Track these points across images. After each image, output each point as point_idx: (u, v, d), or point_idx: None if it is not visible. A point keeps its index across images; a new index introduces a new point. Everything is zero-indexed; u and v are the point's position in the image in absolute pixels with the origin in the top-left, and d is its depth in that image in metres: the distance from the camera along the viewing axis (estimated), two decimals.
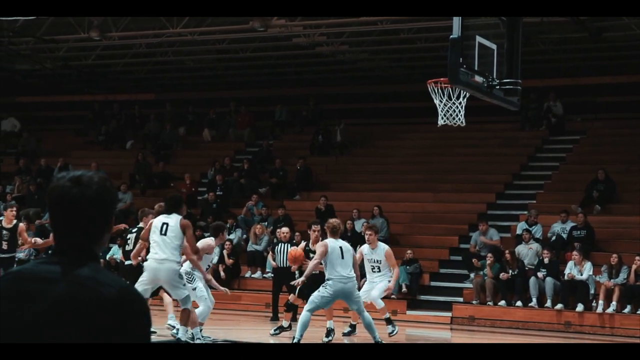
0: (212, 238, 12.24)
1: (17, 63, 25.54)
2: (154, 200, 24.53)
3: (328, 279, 11.50)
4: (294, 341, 11.47)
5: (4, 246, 14.04)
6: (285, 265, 15.29)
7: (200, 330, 11.69)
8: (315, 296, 11.58)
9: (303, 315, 11.59)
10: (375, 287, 13.36)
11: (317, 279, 12.36)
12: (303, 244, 15.07)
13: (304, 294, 12.76)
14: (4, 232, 14.18)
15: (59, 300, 2.30)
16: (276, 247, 16.51)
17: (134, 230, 13.38)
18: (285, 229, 16.52)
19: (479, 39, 9.57)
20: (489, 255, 18.09)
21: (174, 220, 11.10)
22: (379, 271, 13.55)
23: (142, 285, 11.12)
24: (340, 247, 11.45)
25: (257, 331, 15.06)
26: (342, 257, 11.37)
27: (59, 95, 28.76)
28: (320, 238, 13.21)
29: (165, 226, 11.06)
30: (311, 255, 12.94)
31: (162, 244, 11.04)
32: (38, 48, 24.08)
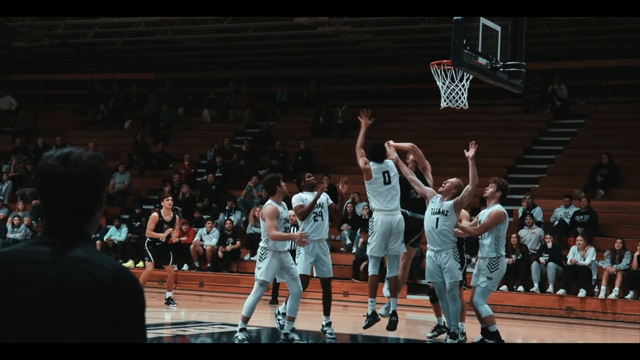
0: (271, 201, 10.66)
1: (14, 40, 25.24)
2: (153, 181, 24.40)
3: None
4: None
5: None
6: (292, 248, 14.35)
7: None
8: None
9: None
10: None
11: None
12: None
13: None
14: (165, 225, 14.68)
15: (52, 283, 2.25)
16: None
17: None
18: (291, 212, 16.19)
19: (483, 20, 9.37)
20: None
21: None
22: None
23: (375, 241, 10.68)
24: None
25: (255, 314, 14.84)
26: None
27: (57, 73, 28.48)
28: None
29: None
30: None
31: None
32: (36, 25, 23.79)
